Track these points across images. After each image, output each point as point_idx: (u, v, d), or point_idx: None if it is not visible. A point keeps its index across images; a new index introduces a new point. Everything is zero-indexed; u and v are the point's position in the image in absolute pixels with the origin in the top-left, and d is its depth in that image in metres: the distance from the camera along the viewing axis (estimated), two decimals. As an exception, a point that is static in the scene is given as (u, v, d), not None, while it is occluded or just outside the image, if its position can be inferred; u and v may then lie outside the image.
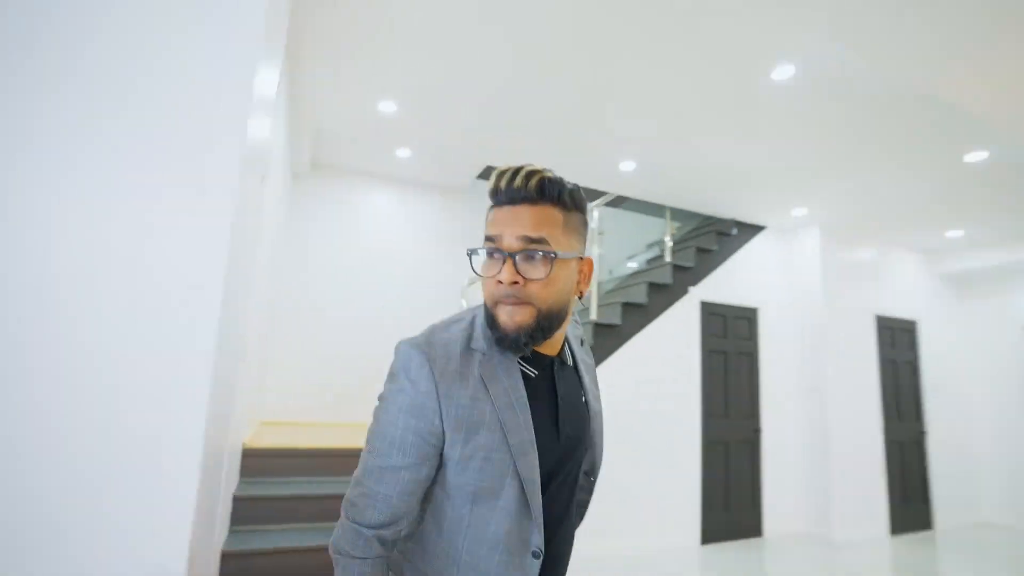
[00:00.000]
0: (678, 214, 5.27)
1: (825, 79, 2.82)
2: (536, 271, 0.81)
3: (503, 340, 0.83)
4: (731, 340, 4.95)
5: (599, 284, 4.92)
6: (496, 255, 0.83)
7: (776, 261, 5.35)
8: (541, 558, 0.86)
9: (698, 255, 4.88)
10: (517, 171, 0.83)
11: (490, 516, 0.84)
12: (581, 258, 0.89)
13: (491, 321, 0.85)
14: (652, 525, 4.28)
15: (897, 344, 5.61)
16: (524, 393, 0.86)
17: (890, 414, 5.36)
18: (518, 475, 0.83)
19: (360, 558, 0.82)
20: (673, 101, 3.14)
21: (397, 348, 0.87)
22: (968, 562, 4.50)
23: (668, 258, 4.91)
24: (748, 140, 3.55)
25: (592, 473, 1.05)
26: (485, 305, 0.87)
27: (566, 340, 0.97)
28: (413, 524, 0.88)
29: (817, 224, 5.15)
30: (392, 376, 0.86)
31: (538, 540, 0.85)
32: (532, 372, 0.89)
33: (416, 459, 0.82)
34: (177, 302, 1.39)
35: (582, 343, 1.06)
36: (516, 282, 0.81)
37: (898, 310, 5.67)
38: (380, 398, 0.88)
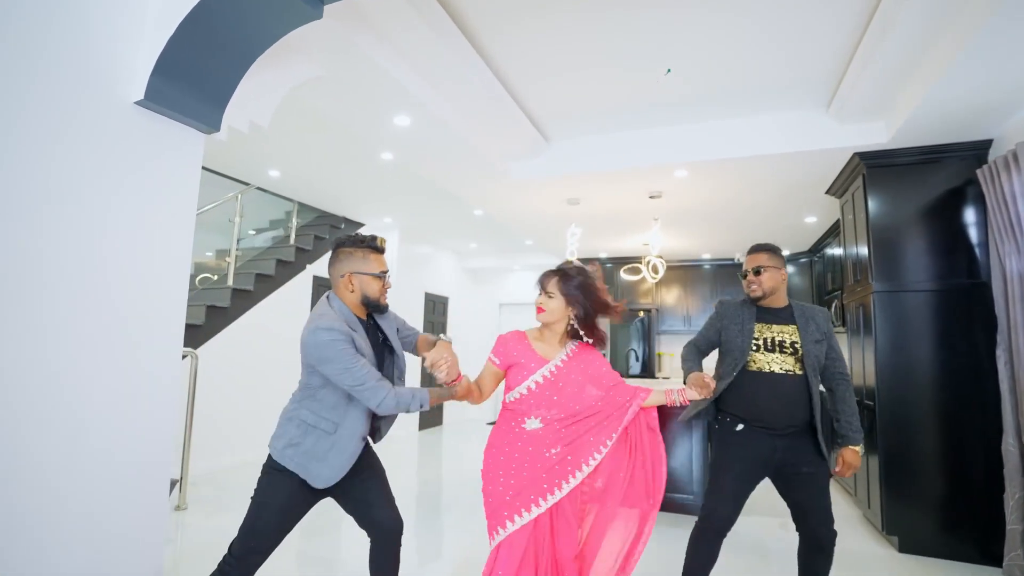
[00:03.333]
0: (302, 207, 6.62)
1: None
2: None
3: (380, 310, 1.91)
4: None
5: (235, 255, 5.76)
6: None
7: (369, 250, 7.39)
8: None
9: (315, 240, 6.40)
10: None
11: None
12: (342, 276, 1.83)
13: (378, 303, 1.87)
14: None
15: (436, 311, 8.57)
16: (367, 335, 1.84)
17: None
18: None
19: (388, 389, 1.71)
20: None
21: (329, 328, 1.66)
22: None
23: (292, 240, 6.25)
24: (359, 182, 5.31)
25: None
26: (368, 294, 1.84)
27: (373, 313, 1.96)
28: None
29: (398, 228, 7.44)
30: (334, 342, 1.67)
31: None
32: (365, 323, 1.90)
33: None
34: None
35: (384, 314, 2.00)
36: None
37: (439, 289, 8.63)
38: (332, 353, 1.66)
